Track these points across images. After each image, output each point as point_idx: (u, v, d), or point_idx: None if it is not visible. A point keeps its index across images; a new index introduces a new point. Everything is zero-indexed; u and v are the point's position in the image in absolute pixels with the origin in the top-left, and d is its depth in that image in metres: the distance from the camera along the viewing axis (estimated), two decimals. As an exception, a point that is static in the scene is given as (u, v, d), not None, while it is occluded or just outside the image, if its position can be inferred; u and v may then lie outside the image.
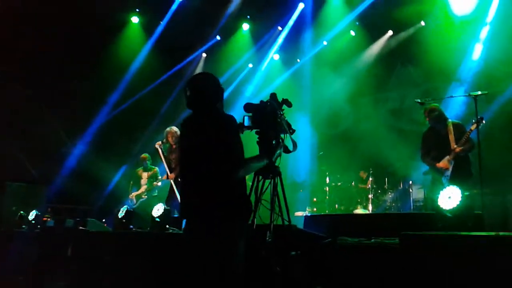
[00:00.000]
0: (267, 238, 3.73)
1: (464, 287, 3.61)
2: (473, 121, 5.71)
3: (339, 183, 9.77)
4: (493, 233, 3.62)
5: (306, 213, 9.19)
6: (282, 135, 3.83)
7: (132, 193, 8.59)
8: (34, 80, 9.85)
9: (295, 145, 3.85)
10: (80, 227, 6.61)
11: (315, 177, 10.13)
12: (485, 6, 8.84)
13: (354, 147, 10.14)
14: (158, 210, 5.93)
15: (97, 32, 10.11)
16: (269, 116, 3.74)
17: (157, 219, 5.88)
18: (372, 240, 5.03)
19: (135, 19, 11.21)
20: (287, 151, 3.83)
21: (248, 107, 3.76)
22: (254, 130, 3.79)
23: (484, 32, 8.85)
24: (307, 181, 10.27)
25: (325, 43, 11.10)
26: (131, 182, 8.85)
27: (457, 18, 9.05)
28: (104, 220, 8.24)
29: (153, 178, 8.57)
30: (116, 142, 10.72)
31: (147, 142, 11.07)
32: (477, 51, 8.90)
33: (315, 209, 9.80)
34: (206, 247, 3.13)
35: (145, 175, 8.68)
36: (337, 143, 10.37)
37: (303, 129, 10.38)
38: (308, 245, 4.55)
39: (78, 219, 6.98)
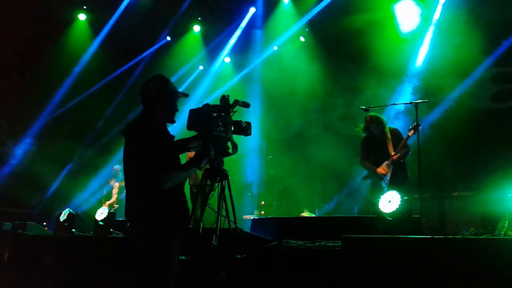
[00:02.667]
0: (213, 242, 3.72)
1: (402, 286, 3.76)
2: (410, 127, 5.99)
3: (287, 187, 9.89)
4: (429, 236, 3.82)
5: (254, 216, 9.24)
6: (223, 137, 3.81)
7: (106, 202, 8.91)
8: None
9: (235, 147, 3.85)
10: (19, 231, 6.33)
11: (264, 181, 10.21)
12: (428, 21, 9.26)
13: (303, 151, 10.33)
14: (101, 213, 5.79)
15: (42, 29, 9.72)
16: (204, 119, 3.73)
17: (101, 223, 5.74)
18: (316, 243, 5.14)
19: (82, 16, 10.87)
20: (226, 154, 3.83)
21: (190, 112, 3.76)
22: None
23: (426, 45, 9.26)
24: (255, 184, 10.33)
25: (275, 48, 11.22)
26: (104, 193, 9.21)
27: (402, 32, 9.44)
28: (45, 224, 7.94)
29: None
30: (61, 142, 10.33)
31: (93, 142, 10.80)
32: (419, 62, 9.30)
33: (263, 212, 9.88)
34: (129, 255, 3.11)
35: (116, 185, 9.05)
36: (286, 147, 10.51)
37: (252, 132, 10.42)
38: (253, 248, 4.58)
39: (17, 222, 6.68)
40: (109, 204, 8.84)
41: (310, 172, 9.97)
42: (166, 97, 3.35)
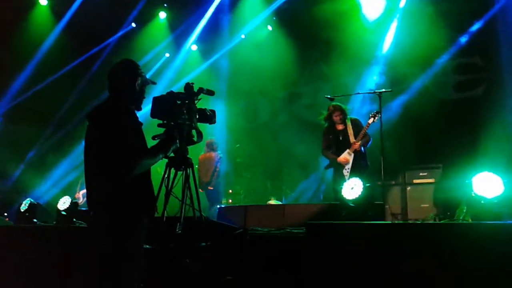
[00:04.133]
0: (177, 230, 3.71)
1: (365, 272, 3.85)
2: (370, 115, 6.09)
3: (255, 175, 9.94)
4: (390, 222, 3.93)
5: (221, 205, 9.25)
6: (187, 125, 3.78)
7: (79, 192, 8.81)
8: None
9: (200, 135, 3.83)
10: (-23, 222, 6.14)
11: (231, 169, 10.21)
12: (393, 11, 9.39)
13: (270, 140, 10.38)
14: (64, 203, 5.67)
15: (1, 14, 9.32)
16: (168, 107, 3.69)
17: (63, 213, 5.62)
18: (282, 230, 5.20)
19: (43, 1, 10.49)
20: (191, 142, 3.81)
21: (154, 99, 3.71)
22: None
23: (391, 34, 9.39)
24: (223, 173, 10.32)
25: (243, 36, 11.17)
26: (80, 181, 9.13)
27: (367, 21, 9.54)
28: (6, 214, 7.72)
29: None
30: (22, 129, 10.01)
31: (57, 129, 10.52)
32: (385, 51, 9.43)
33: (230, 200, 9.90)
34: (94, 246, 3.06)
35: None
36: (253, 136, 10.54)
37: (220, 121, 10.38)
38: (219, 236, 4.59)
39: (-26, 213, 6.48)
40: (83, 193, 8.78)
41: (278, 160, 10.03)
42: (136, 83, 3.27)
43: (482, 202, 5.44)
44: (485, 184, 5.02)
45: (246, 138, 10.39)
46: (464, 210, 5.71)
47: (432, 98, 8.64)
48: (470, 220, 5.26)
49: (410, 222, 4.68)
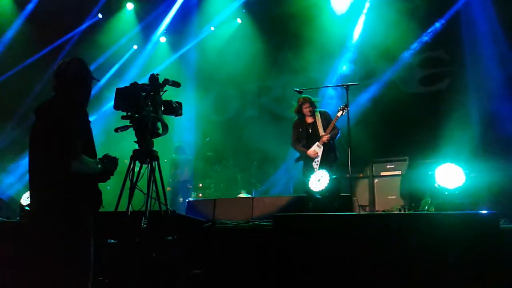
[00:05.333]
0: (142, 224, 3.66)
1: (330, 262, 3.90)
2: (339, 108, 6.17)
3: (225, 169, 9.91)
4: (355, 213, 3.99)
5: (191, 198, 9.21)
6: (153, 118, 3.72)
7: None
8: None
9: (165, 128, 3.79)
10: None
11: (201, 163, 10.15)
12: (361, 5, 9.48)
13: (240, 133, 10.36)
14: (28, 198, 5.51)
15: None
16: (131, 99, 3.63)
17: (27, 208, 5.47)
18: (250, 223, 5.22)
19: (5, -10, 10.14)
20: (156, 134, 3.76)
21: (117, 91, 3.64)
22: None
23: (358, 28, 9.49)
24: (192, 166, 10.25)
25: (212, 28, 11.08)
26: None
27: (335, 15, 9.61)
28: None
29: None
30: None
31: (20, 123, 10.20)
32: (352, 45, 9.52)
33: (200, 194, 9.85)
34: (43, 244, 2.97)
35: None
36: (223, 130, 10.50)
37: (189, 115, 10.33)
38: (187, 229, 4.56)
39: None
40: None
41: (248, 153, 10.02)
42: (86, 80, 3.25)
43: (446, 193, 5.58)
44: (447, 175, 5.15)
45: (216, 132, 10.35)
46: (429, 201, 5.85)
47: (398, 91, 8.80)
48: (433, 210, 5.39)
49: (375, 213, 4.77)
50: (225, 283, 4.47)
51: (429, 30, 8.63)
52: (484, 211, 4.07)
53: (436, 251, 3.61)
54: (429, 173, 5.51)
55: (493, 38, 7.73)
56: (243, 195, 8.85)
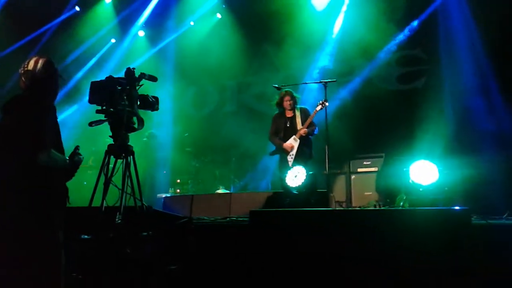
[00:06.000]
0: (117, 220, 3.62)
1: (307, 257, 3.93)
2: (318, 103, 6.20)
3: (203, 164, 9.86)
4: (330, 208, 4.02)
5: (169, 194, 9.14)
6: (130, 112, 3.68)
7: None
8: None
9: (141, 122, 3.75)
10: None
11: (180, 159, 10.08)
12: (340, 3, 9.54)
13: (219, 129, 10.32)
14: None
15: None
16: (106, 93, 3.59)
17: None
18: (227, 219, 5.22)
19: (-23, -20, 9.86)
20: (132, 129, 3.72)
21: (92, 84, 3.59)
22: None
23: (338, 25, 9.54)
24: (169, 162, 10.17)
25: (192, 23, 10.99)
26: None
27: (316, 11, 9.64)
28: None
29: None
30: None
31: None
32: (331, 43, 9.57)
33: (178, 190, 9.78)
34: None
35: None
36: (202, 125, 10.43)
37: (167, 109, 10.25)
38: (163, 225, 4.53)
39: None
40: None
41: (226, 149, 9.99)
42: (55, 78, 3.23)
43: (421, 189, 5.69)
44: (421, 172, 5.24)
45: (195, 127, 10.27)
46: (404, 198, 5.95)
47: (376, 89, 8.85)
48: (408, 206, 5.48)
49: (350, 209, 4.83)
50: (201, 279, 4.46)
51: (407, 29, 8.72)
52: (457, 207, 4.15)
53: (409, 246, 3.67)
54: (404, 169, 5.59)
55: (468, 37, 7.87)
56: (221, 191, 8.84)
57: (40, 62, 3.16)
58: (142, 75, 3.84)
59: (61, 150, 3.12)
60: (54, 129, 3.08)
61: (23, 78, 3.13)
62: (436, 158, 5.53)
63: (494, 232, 3.88)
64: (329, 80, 6.38)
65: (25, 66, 3.14)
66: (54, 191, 3.04)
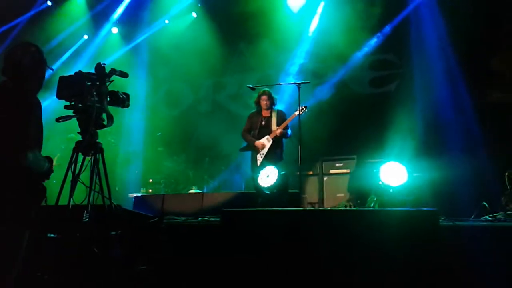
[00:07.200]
0: (84, 219, 3.54)
1: (278, 257, 3.92)
2: (298, 108, 6.22)
3: (176, 164, 9.77)
4: (301, 208, 4.04)
5: (140, 194, 9.01)
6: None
7: None
8: None
9: (110, 119, 3.68)
10: None
11: (152, 158, 9.97)
12: (315, 4, 9.61)
13: (193, 128, 10.25)
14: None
15: None
16: (75, 88, 3.51)
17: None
18: (199, 219, 5.18)
19: None
20: (101, 126, 3.65)
21: (61, 79, 3.51)
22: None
23: (313, 27, 9.61)
24: (140, 161, 10.04)
25: (166, 21, 10.89)
26: None
27: (291, 12, 9.69)
28: None
29: None
30: None
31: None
32: (306, 45, 9.63)
33: (150, 190, 9.66)
34: None
35: None
36: (175, 124, 10.33)
37: (139, 108, 10.13)
38: (132, 225, 4.46)
39: None
40: None
41: (200, 149, 9.93)
42: (42, 68, 3.12)
43: (391, 190, 5.77)
44: (391, 173, 5.32)
45: (168, 126, 10.17)
46: (374, 199, 6.04)
47: (349, 91, 8.97)
48: (378, 207, 5.56)
49: (321, 209, 4.88)
50: (171, 279, 4.41)
51: (380, 33, 8.85)
52: (425, 208, 4.22)
53: (378, 246, 3.71)
54: (374, 171, 5.67)
55: (439, 43, 8.04)
56: (194, 191, 8.78)
57: (27, 50, 3.04)
58: (113, 71, 3.77)
59: (40, 146, 3.03)
60: (39, 127, 2.99)
61: (7, 66, 3.00)
62: (405, 160, 5.62)
63: (462, 233, 3.96)
64: (303, 81, 6.45)
65: (11, 53, 3.01)
66: (35, 188, 2.96)
